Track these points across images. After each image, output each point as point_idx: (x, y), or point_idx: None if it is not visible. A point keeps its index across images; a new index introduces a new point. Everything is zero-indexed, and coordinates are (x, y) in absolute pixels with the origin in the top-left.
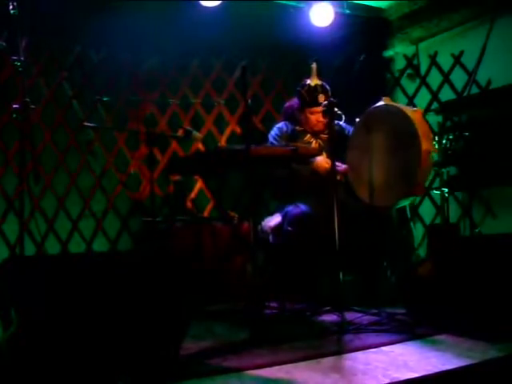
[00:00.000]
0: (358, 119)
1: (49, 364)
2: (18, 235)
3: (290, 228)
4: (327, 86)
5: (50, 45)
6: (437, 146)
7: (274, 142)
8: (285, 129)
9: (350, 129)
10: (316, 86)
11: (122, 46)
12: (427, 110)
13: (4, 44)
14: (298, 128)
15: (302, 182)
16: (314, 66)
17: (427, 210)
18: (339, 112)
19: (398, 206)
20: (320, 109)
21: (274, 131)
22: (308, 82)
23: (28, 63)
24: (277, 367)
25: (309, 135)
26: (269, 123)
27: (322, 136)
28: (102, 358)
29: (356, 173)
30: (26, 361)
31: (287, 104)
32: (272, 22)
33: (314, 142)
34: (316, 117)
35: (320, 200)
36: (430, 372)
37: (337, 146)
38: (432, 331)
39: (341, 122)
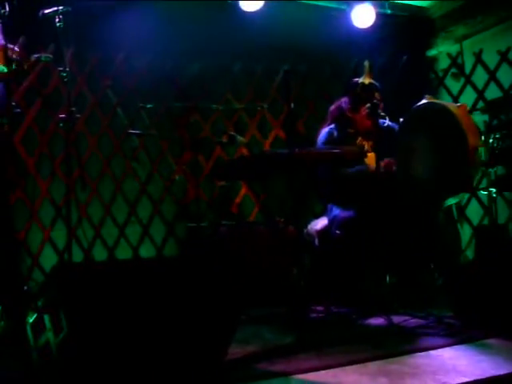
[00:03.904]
0: (401, 119)
1: (98, 369)
2: (66, 242)
3: (338, 231)
4: (379, 85)
5: (94, 54)
6: (483, 146)
7: (323, 146)
8: (335, 133)
9: (397, 127)
10: (370, 83)
11: (164, 53)
12: (473, 109)
13: (51, 56)
14: (350, 130)
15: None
16: (366, 64)
17: (474, 211)
18: (383, 114)
19: (446, 205)
20: (379, 106)
21: (323, 136)
22: (361, 80)
23: (73, 73)
24: (324, 371)
25: (360, 138)
26: (312, 127)
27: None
28: (149, 363)
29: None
30: (76, 366)
31: (334, 106)
32: (312, 24)
33: (367, 144)
34: None
35: (367, 203)
36: (480, 377)
37: (387, 145)
38: (481, 335)
39: (388, 122)
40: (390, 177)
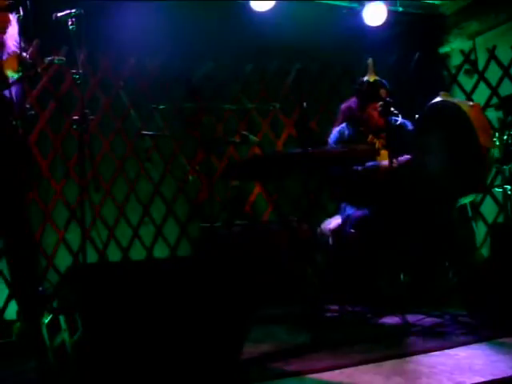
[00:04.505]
0: (416, 116)
1: (113, 369)
2: (81, 243)
3: (352, 230)
4: (385, 82)
5: (106, 56)
6: (498, 143)
7: (334, 146)
8: (346, 132)
9: (409, 125)
10: (375, 81)
11: (175, 54)
12: (486, 105)
13: (64, 59)
14: (360, 129)
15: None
16: (370, 61)
17: (489, 209)
18: (396, 111)
19: (459, 204)
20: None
21: (334, 135)
22: (366, 78)
23: (86, 75)
24: (338, 371)
25: (371, 136)
26: (324, 126)
27: (383, 135)
28: (163, 364)
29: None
30: (91, 366)
31: (344, 105)
32: (324, 23)
33: (378, 142)
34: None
35: (380, 201)
36: (496, 377)
37: (399, 143)
38: (497, 334)
39: (400, 120)
40: (406, 173)
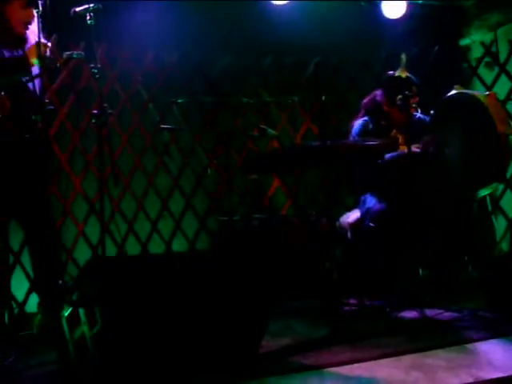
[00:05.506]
0: (432, 111)
1: (132, 361)
2: (100, 237)
3: (372, 224)
4: (416, 79)
5: (125, 51)
6: None
7: (357, 138)
8: (370, 126)
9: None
10: (407, 77)
11: (193, 48)
12: (508, 98)
13: (82, 53)
14: (382, 123)
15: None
16: (403, 57)
17: (509, 203)
18: (414, 105)
19: (479, 196)
20: (415, 99)
21: (357, 128)
22: (397, 73)
23: (104, 70)
24: (357, 364)
25: (395, 130)
26: (343, 119)
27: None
28: (182, 356)
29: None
30: (110, 358)
31: (367, 99)
32: (342, 16)
33: (401, 137)
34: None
35: (404, 192)
36: None
37: (419, 137)
38: None
39: (419, 114)
40: (426, 158)
